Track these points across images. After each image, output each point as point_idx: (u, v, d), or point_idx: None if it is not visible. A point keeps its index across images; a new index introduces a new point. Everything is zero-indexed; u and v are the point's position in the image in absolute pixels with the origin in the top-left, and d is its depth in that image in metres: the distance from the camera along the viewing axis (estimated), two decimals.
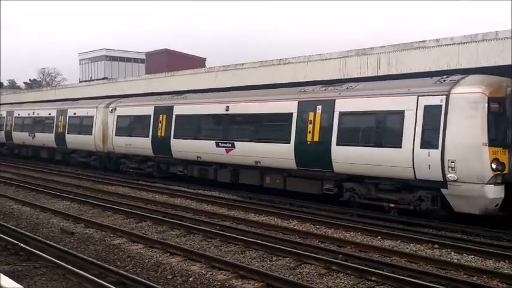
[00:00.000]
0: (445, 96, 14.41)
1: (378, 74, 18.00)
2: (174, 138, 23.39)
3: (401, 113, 15.29)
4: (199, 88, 25.02)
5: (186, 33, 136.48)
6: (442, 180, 14.30)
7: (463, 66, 15.80)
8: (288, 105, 18.55)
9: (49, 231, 14.08)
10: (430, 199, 14.90)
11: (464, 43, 15.93)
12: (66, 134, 31.50)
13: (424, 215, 15.43)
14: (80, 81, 69.80)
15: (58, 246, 11.88)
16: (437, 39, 16.70)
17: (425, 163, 14.56)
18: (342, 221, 15.49)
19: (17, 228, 13.84)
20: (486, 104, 14.00)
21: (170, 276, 9.97)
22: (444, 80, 14.99)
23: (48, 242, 12.27)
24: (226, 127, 21.04)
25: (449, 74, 15.37)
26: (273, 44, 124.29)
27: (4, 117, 39.44)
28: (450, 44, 16.24)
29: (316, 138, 17.47)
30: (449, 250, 12.16)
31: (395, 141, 15.29)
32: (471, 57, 15.71)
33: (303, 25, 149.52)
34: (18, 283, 6.43)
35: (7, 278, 6.08)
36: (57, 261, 10.36)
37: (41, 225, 14.80)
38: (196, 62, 60.92)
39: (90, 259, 10.72)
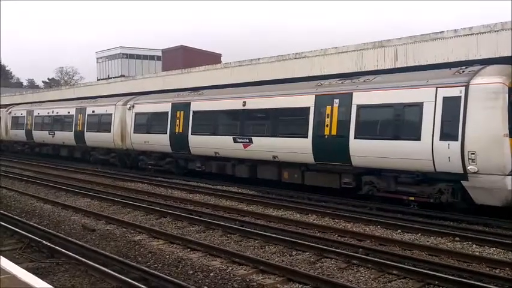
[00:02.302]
0: (464, 87, 14.27)
1: (395, 66, 17.87)
2: (191, 134, 23.47)
3: (419, 105, 15.17)
4: (215, 84, 25.07)
5: (200, 30, 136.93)
6: (462, 172, 14.18)
7: (482, 57, 15.61)
8: (305, 99, 18.49)
9: (71, 228, 14.24)
10: (450, 191, 14.78)
11: (483, 33, 15.73)
12: (85, 132, 31.78)
13: (444, 208, 15.32)
14: (98, 80, 70.39)
15: (80, 243, 12.01)
16: (455, 30, 16.53)
17: (445, 155, 14.44)
18: (361, 214, 15.44)
19: (39, 226, 14.02)
20: (506, 95, 13.86)
21: (191, 272, 10.02)
22: (463, 71, 14.83)
23: (70, 239, 12.40)
24: (244, 122, 21.05)
25: (468, 65, 15.20)
26: (288, 39, 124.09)
27: (24, 117, 39.90)
28: (468, 35, 16.05)
29: (333, 132, 17.41)
30: (470, 243, 12.08)
31: (414, 133, 15.19)
32: (490, 47, 15.52)
33: (318, 19, 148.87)
34: (42, 279, 6.54)
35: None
36: (79, 257, 10.49)
37: (63, 223, 14.97)
38: (212, 58, 61.07)
39: (112, 255, 10.82)
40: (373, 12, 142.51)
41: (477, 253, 11.31)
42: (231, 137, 21.25)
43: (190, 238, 12.58)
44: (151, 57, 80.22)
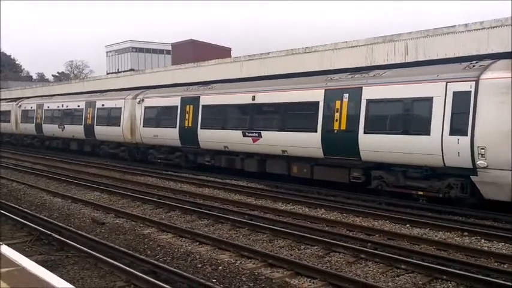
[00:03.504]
0: (474, 82, 14.18)
1: (406, 61, 17.78)
2: (201, 128, 23.51)
3: (429, 100, 15.10)
4: (225, 78, 25.07)
5: (210, 23, 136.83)
6: (471, 167, 14.12)
7: (493, 51, 15.49)
8: (315, 94, 18.46)
9: (80, 222, 14.33)
10: (459, 186, 14.73)
11: (494, 27, 15.61)
12: (95, 126, 31.92)
13: (453, 203, 15.27)
14: (108, 73, 70.61)
15: (89, 236, 12.10)
16: (466, 24, 16.40)
17: (454, 150, 14.38)
18: (370, 209, 15.42)
19: (49, 219, 14.12)
20: None
21: (200, 265, 10.07)
22: (473, 66, 14.74)
23: (79, 232, 12.49)
24: (253, 117, 21.06)
25: (479, 60, 15.10)
26: (299, 32, 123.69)
27: (34, 110, 40.12)
28: (480, 29, 15.93)
29: (343, 127, 17.37)
30: (479, 237, 12.05)
31: (423, 128, 15.13)
32: (502, 41, 15.39)
33: (328, 12, 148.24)
34: (51, 272, 6.58)
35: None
36: (89, 250, 10.56)
37: (73, 216, 15.08)
38: (221, 52, 61.03)
39: (121, 248, 10.88)
40: (384, 7, 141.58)
41: (486, 248, 11.28)
42: (240, 131, 21.26)
43: (199, 232, 12.62)
44: (161, 51, 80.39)
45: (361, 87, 17.02)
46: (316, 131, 18.14)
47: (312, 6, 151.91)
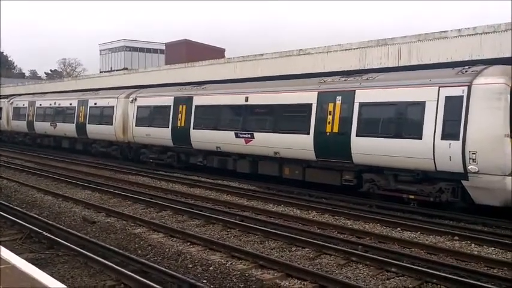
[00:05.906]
0: (466, 87, 14.26)
1: (399, 65, 17.85)
2: (193, 128, 23.47)
3: (422, 104, 15.17)
4: (218, 79, 25.06)
5: (204, 23, 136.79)
6: (462, 171, 14.19)
7: (486, 57, 15.59)
8: (308, 96, 18.50)
9: (71, 220, 14.28)
10: (450, 191, 14.79)
11: (486, 33, 15.71)
12: (87, 124, 31.79)
13: (444, 207, 15.34)
14: (101, 72, 70.41)
15: (80, 234, 12.06)
16: (459, 30, 16.50)
17: (446, 155, 14.45)
18: (361, 212, 15.47)
19: (39, 217, 14.06)
20: (508, 95, 13.85)
21: (190, 265, 10.07)
22: (466, 71, 14.82)
23: (70, 230, 12.45)
24: (246, 118, 21.06)
25: (471, 65, 15.19)
26: (293, 34, 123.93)
27: (26, 107, 39.91)
28: (472, 34, 16.03)
29: (335, 129, 17.41)
30: (469, 242, 12.10)
31: (415, 132, 15.19)
32: (494, 47, 15.50)
33: (323, 15, 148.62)
34: (42, 270, 6.56)
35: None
36: (79, 249, 10.53)
37: (63, 214, 15.02)
38: (215, 53, 61.00)
39: (112, 247, 10.86)
40: (378, 11, 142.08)
41: (476, 252, 11.34)
42: (233, 132, 21.26)
43: (190, 232, 12.61)
44: (155, 51, 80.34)
45: (354, 90, 17.07)
46: (308, 133, 18.16)
47: (311, 7, 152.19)
